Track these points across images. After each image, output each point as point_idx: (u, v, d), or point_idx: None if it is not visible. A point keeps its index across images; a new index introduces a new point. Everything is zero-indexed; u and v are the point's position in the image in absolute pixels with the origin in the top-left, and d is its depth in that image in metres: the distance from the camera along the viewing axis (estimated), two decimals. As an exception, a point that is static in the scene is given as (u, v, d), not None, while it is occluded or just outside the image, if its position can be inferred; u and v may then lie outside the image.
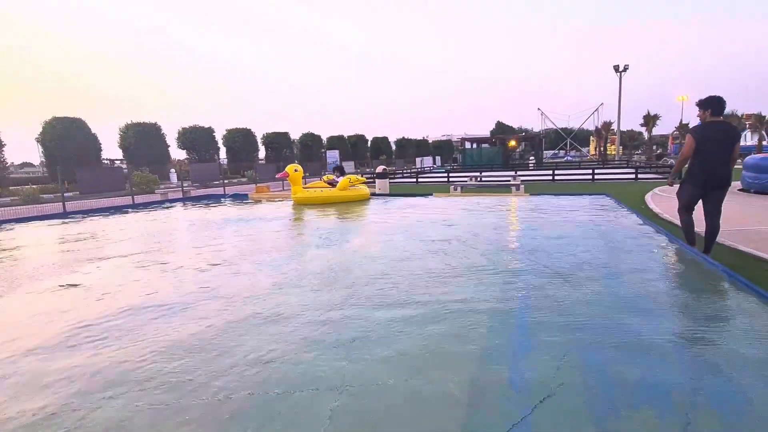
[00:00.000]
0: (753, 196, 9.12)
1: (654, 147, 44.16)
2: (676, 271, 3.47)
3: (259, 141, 34.16)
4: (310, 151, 36.03)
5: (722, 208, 4.12)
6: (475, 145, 38.70)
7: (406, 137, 51.36)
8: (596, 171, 17.93)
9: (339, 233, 5.68)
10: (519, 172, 21.08)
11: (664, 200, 8.72)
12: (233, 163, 30.85)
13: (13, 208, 11.03)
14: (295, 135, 37.14)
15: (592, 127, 63.39)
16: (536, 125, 77.45)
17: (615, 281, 3.04)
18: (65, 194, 11.94)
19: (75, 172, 17.06)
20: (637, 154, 48.83)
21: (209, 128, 31.27)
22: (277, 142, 34.56)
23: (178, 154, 32.56)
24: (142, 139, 27.43)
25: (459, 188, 10.91)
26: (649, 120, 42.05)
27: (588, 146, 66.08)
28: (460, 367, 1.87)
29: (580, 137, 72.34)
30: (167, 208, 9.87)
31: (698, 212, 4.25)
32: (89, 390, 1.80)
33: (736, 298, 2.68)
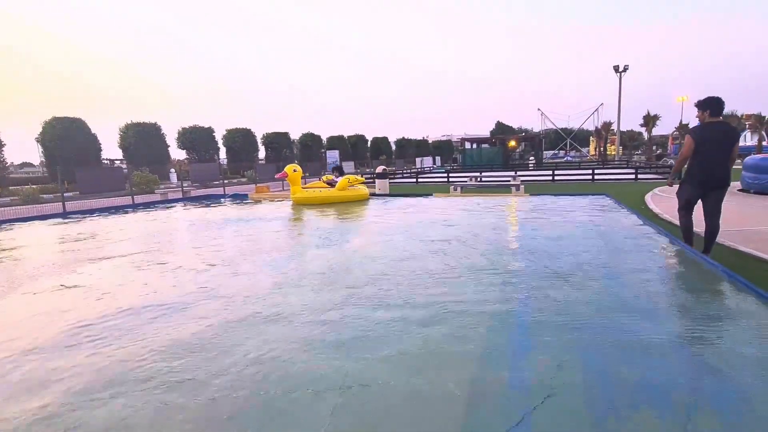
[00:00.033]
0: (753, 197, 9.12)
1: (654, 147, 44.17)
2: (675, 272, 3.47)
3: (259, 141, 34.18)
4: (310, 152, 36.04)
5: (722, 208, 4.13)
6: (475, 146, 38.74)
7: (406, 137, 51.39)
8: (596, 171, 17.95)
9: (339, 233, 5.68)
10: (519, 173, 21.10)
11: (664, 200, 8.73)
12: (233, 163, 30.85)
13: (13, 208, 11.03)
14: (295, 135, 37.17)
15: (592, 128, 63.40)
16: (536, 125, 77.47)
17: (615, 281, 3.04)
18: (65, 194, 11.94)
19: (75, 172, 17.07)
20: (637, 154, 48.84)
21: (209, 128, 31.29)
22: (277, 142, 34.57)
23: (178, 154, 32.59)
24: (142, 139, 27.45)
25: (459, 188, 10.92)
26: (649, 120, 42.08)
27: (588, 146, 66.11)
28: (460, 367, 1.87)
29: (580, 137, 72.34)
30: (167, 208, 9.87)
31: (699, 213, 4.25)
32: (89, 390, 1.80)
33: (735, 299, 2.68)
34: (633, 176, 16.81)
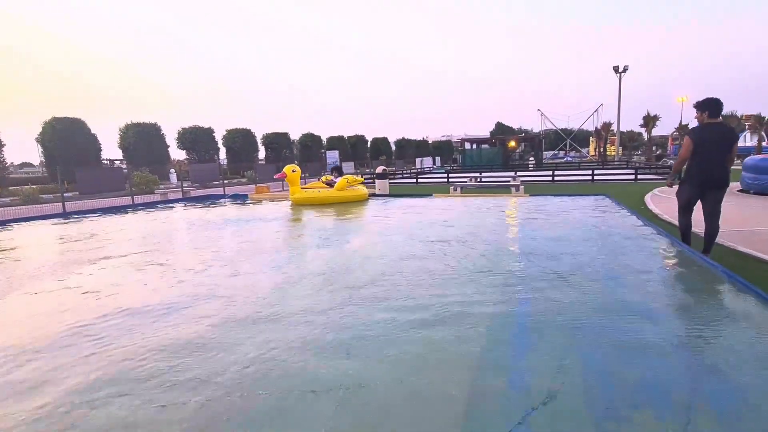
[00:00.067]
0: (752, 197, 9.13)
1: (654, 148, 44.18)
2: (675, 272, 3.47)
3: (259, 141, 34.17)
4: (310, 152, 36.04)
5: (722, 209, 4.14)
6: (474, 146, 38.76)
7: (405, 138, 51.41)
8: (596, 172, 17.95)
9: (339, 234, 5.68)
10: (519, 173, 21.11)
11: (663, 201, 8.73)
12: (233, 164, 30.85)
13: (13, 208, 11.03)
14: (294, 135, 37.18)
15: (591, 128, 63.41)
16: (536, 126, 77.47)
17: (615, 282, 3.04)
18: (65, 194, 11.94)
19: (75, 172, 17.07)
20: (636, 154, 48.84)
21: (209, 128, 31.28)
22: (277, 142, 34.57)
23: (177, 154, 32.59)
24: (141, 140, 27.43)
25: (459, 189, 10.92)
26: (649, 121, 42.08)
27: (588, 147, 66.11)
28: (460, 367, 1.87)
29: (579, 138, 72.34)
30: (167, 208, 9.87)
31: (699, 214, 4.26)
32: (89, 389, 1.80)
33: (735, 299, 2.68)
34: (633, 177, 16.81)
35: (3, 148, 21.25)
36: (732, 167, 4.08)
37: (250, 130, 33.10)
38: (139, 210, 9.59)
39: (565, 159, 53.46)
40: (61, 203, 10.71)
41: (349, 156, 38.04)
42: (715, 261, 3.50)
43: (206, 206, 9.83)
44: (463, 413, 1.55)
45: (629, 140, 57.90)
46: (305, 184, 10.91)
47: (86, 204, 11.97)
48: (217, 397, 1.70)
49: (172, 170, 27.15)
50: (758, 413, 1.52)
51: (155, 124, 28.74)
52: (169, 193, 13.81)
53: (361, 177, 10.89)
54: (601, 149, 47.56)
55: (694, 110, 4.27)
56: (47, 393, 1.78)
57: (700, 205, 4.24)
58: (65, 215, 9.06)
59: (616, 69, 38.73)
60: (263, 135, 34.33)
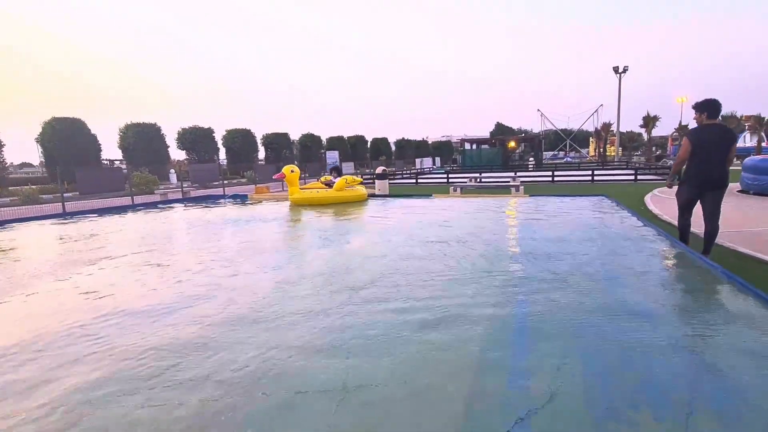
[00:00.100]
0: (752, 198, 9.13)
1: (653, 148, 44.19)
2: (675, 273, 3.47)
3: (259, 142, 34.14)
4: (310, 152, 36.01)
5: (721, 209, 4.14)
6: (474, 146, 38.73)
7: (405, 138, 51.37)
8: (596, 172, 17.93)
9: (339, 234, 5.68)
10: (518, 173, 21.11)
11: (663, 201, 8.73)
12: (233, 164, 30.82)
13: (13, 208, 11.01)
14: (294, 136, 37.12)
15: (591, 128, 63.41)
16: (536, 126, 77.46)
17: (614, 282, 3.04)
18: (65, 194, 11.94)
19: (74, 172, 17.06)
20: (636, 155, 48.85)
21: (209, 129, 31.23)
22: (277, 142, 34.54)
23: (177, 154, 32.55)
24: (141, 140, 27.38)
25: (459, 189, 10.92)
26: (649, 121, 42.06)
27: (587, 147, 66.11)
28: (460, 368, 1.87)
29: (579, 138, 72.34)
30: (167, 208, 9.87)
31: (699, 214, 4.26)
32: (89, 389, 1.80)
33: (735, 299, 2.69)
34: (632, 177, 16.81)
35: (3, 148, 21.24)
36: (731, 168, 4.08)
37: (249, 130, 33.09)
38: (139, 210, 9.59)
39: (564, 159, 53.46)
40: (61, 203, 10.70)
41: (348, 156, 38.02)
42: (714, 262, 3.51)
43: (206, 206, 9.83)
44: (463, 413, 1.55)
45: (629, 141, 57.92)
46: (305, 184, 10.91)
47: (86, 204, 11.97)
48: (217, 396, 1.70)
49: (172, 170, 27.13)
50: (758, 413, 1.52)
51: (155, 124, 28.71)
52: (169, 193, 13.79)
53: (360, 177, 10.89)
54: (601, 150, 47.57)
55: (693, 111, 4.28)
56: (47, 393, 1.78)
57: (700, 206, 4.24)
58: (65, 215, 9.06)
59: (616, 69, 38.74)
60: (263, 135, 34.31)
